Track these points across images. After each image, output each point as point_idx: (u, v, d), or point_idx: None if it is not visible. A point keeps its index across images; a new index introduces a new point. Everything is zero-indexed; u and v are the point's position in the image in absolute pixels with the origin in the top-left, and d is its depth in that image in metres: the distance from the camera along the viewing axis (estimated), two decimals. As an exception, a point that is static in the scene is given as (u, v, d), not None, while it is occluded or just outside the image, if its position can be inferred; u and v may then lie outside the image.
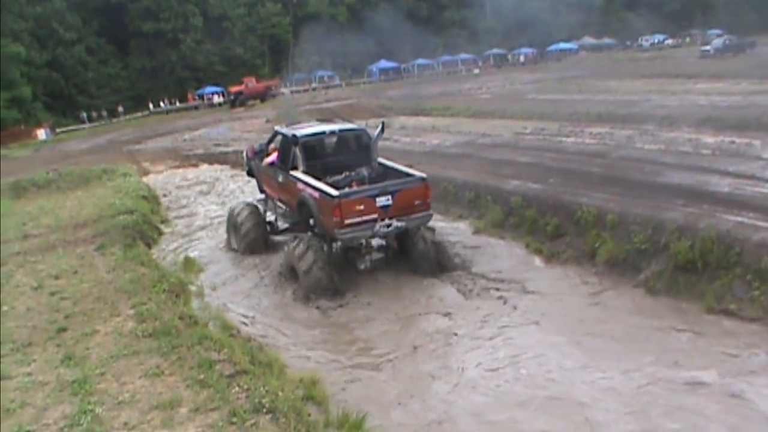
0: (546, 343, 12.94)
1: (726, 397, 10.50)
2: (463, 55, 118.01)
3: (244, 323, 15.07)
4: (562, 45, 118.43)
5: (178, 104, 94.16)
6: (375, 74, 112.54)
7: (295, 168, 18.37)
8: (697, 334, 12.59)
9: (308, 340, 14.38)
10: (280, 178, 19.12)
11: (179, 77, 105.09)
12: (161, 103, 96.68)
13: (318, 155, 18.99)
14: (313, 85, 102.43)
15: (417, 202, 16.67)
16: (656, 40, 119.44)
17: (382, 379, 12.29)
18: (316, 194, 16.75)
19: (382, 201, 16.20)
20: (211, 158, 40.51)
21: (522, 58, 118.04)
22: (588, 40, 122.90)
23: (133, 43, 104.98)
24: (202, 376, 10.60)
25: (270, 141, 21.48)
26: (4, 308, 15.02)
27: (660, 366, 11.54)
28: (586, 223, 17.38)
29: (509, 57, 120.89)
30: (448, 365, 12.55)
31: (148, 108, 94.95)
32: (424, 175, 17.34)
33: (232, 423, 9.27)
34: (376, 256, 18.06)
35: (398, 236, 17.40)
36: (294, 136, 18.52)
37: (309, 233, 17.62)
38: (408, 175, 17.64)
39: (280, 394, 10.05)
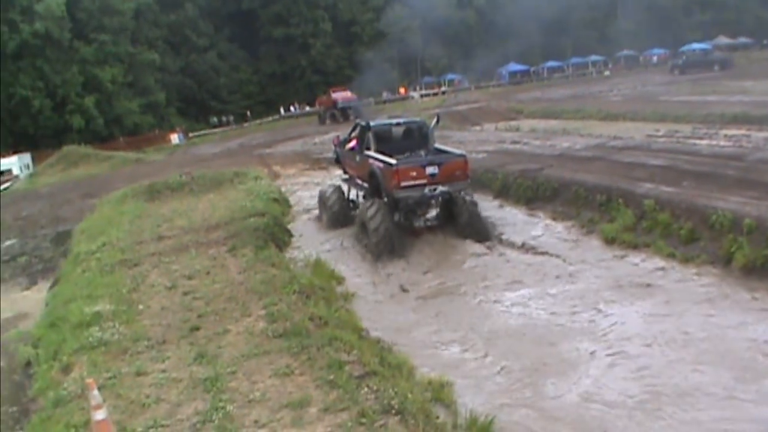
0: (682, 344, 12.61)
1: None
2: (594, 57, 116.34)
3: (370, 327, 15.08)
4: (696, 45, 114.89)
5: (308, 108, 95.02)
6: (504, 77, 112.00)
7: (369, 149, 23.10)
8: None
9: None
10: (357, 158, 24.08)
11: (309, 81, 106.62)
12: (291, 108, 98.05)
13: (386, 140, 23.54)
14: (443, 88, 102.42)
15: (458, 173, 21.07)
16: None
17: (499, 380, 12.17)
18: (381, 165, 21.37)
19: (430, 170, 20.63)
20: (341, 161, 40.75)
21: (654, 59, 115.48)
22: (722, 39, 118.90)
23: (263, 48, 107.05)
24: (331, 377, 10.64)
25: (352, 131, 26.00)
26: (140, 307, 15.43)
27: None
28: (721, 228, 16.84)
29: (641, 58, 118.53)
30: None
31: (278, 112, 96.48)
32: (463, 152, 22.45)
33: (361, 424, 9.27)
34: (431, 220, 22.43)
35: (446, 204, 21.89)
36: (367, 124, 23.96)
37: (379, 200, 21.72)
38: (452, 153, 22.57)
39: (409, 395, 10.02)
